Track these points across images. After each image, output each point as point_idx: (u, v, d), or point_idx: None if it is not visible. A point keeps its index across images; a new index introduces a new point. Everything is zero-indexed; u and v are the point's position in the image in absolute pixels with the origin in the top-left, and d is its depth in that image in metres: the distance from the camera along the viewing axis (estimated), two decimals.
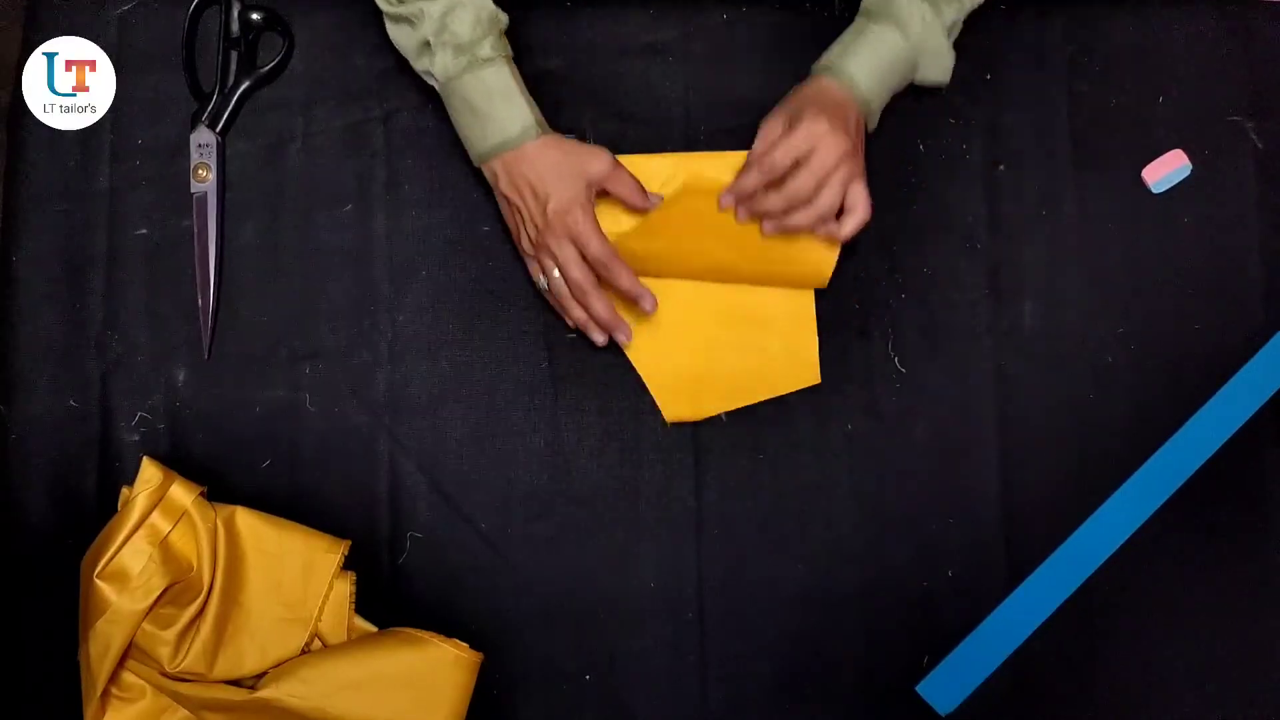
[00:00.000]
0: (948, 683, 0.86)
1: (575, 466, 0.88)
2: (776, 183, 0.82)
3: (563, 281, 0.83)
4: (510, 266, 0.89)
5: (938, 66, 0.84)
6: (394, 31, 0.83)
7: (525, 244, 0.85)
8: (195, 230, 0.87)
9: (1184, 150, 0.91)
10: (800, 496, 0.88)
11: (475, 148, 0.83)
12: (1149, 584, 0.87)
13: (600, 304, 0.83)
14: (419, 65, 0.83)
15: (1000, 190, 0.90)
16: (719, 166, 0.87)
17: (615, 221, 0.86)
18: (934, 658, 0.86)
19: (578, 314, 0.85)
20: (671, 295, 0.87)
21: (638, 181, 0.84)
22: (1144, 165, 0.91)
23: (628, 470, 0.88)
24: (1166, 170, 0.91)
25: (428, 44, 0.81)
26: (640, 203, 0.84)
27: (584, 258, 0.82)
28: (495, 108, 0.81)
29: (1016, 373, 0.89)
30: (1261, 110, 0.91)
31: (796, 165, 0.81)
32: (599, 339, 0.85)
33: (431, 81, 0.83)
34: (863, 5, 0.84)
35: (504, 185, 0.83)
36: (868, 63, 0.82)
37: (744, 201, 0.84)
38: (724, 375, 0.88)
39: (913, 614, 0.87)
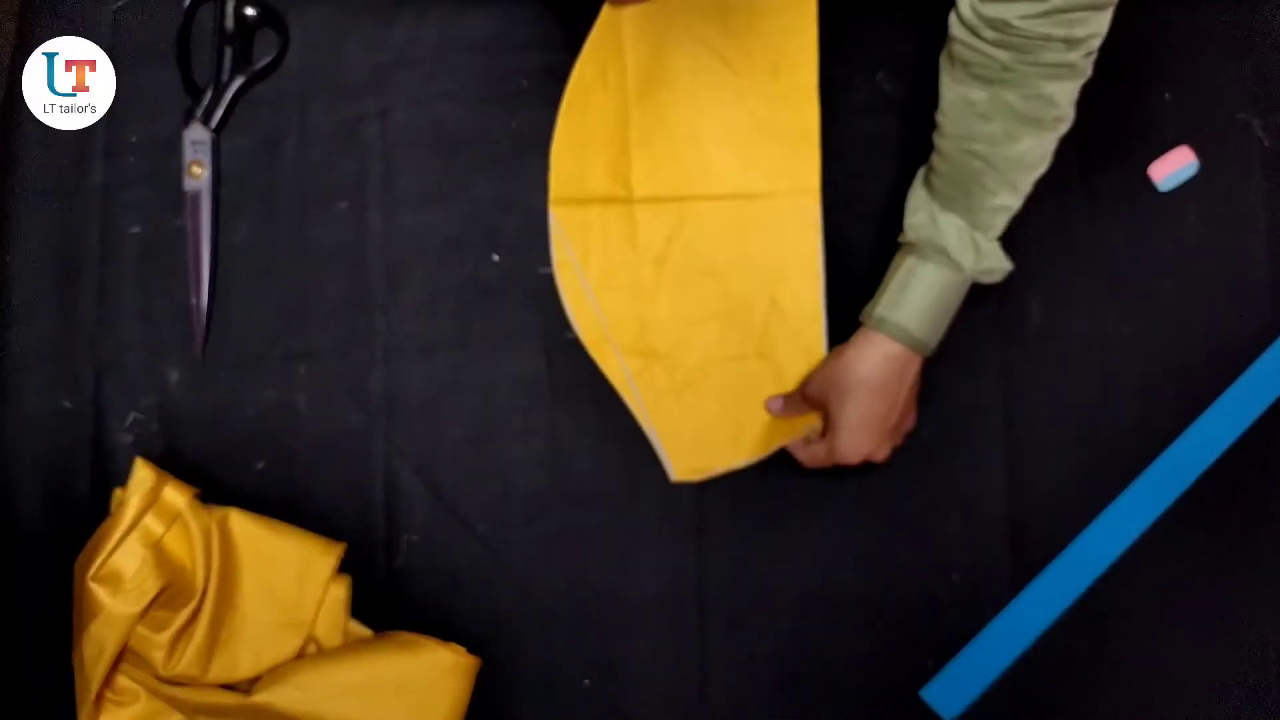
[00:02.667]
0: (952, 688, 0.85)
1: (574, 468, 0.87)
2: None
3: None
4: (509, 266, 0.88)
5: (994, 275, 0.80)
6: None
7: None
8: (189, 228, 0.87)
9: (1191, 147, 0.90)
10: (802, 498, 0.87)
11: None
12: (1157, 587, 0.87)
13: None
14: None
15: None
16: None
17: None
18: (938, 662, 0.86)
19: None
20: (688, 344, 0.87)
21: None
22: (1150, 163, 0.90)
23: (627, 471, 0.87)
24: (1173, 168, 0.90)
25: None
26: None
27: None
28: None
29: (1022, 372, 0.88)
30: (1268, 107, 0.91)
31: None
32: None
33: None
34: (905, 237, 0.80)
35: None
36: (922, 308, 0.79)
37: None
38: (732, 436, 0.87)
39: (917, 618, 0.86)
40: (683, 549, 0.87)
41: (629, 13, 0.88)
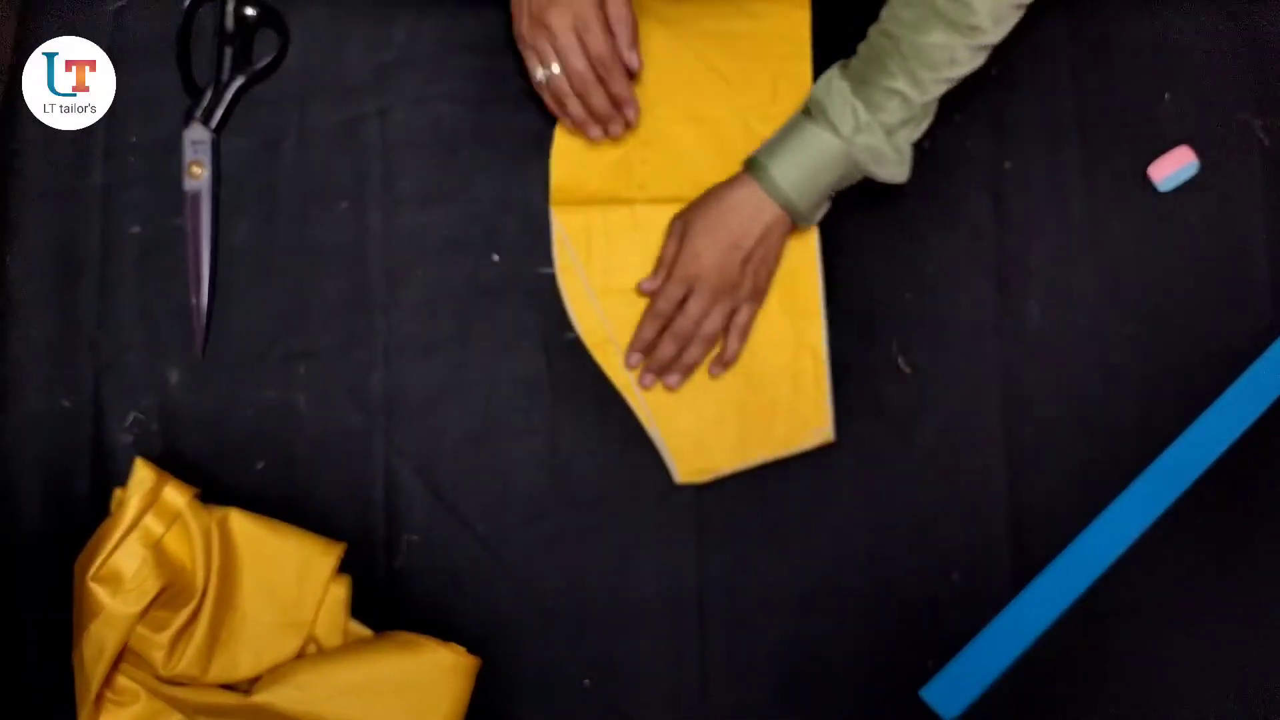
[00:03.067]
0: (952, 688, 0.85)
1: (574, 468, 0.87)
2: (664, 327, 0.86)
3: (562, 77, 0.84)
4: (509, 266, 0.88)
5: (883, 166, 0.82)
6: None
7: (524, 27, 0.83)
8: (189, 228, 0.87)
9: (1191, 147, 0.90)
10: (803, 498, 0.87)
11: None
12: (1157, 587, 0.87)
13: (599, 97, 0.84)
14: None
15: (1006, 188, 0.90)
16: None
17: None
18: (938, 662, 0.86)
19: (575, 109, 0.85)
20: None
21: (633, 16, 0.84)
22: (1151, 162, 0.90)
23: (627, 471, 0.87)
24: (1173, 167, 0.90)
25: None
26: (624, 45, 0.84)
27: (585, 51, 0.83)
28: None
29: (1023, 372, 0.88)
30: (1268, 107, 0.91)
31: (682, 303, 0.85)
32: (595, 134, 0.86)
33: None
34: (806, 100, 0.83)
35: None
36: (793, 163, 0.81)
37: (645, 350, 0.86)
38: (736, 437, 0.88)
39: (917, 617, 0.86)
40: (683, 549, 0.87)
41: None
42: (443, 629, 0.83)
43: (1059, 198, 0.90)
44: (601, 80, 0.84)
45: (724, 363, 0.87)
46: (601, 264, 0.88)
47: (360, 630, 0.83)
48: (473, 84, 0.89)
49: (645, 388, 0.87)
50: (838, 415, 0.87)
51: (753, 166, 0.83)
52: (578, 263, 0.88)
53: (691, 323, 0.85)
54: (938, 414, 0.88)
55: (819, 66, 0.90)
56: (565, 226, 0.89)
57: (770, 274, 0.86)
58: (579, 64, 0.83)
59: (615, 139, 0.87)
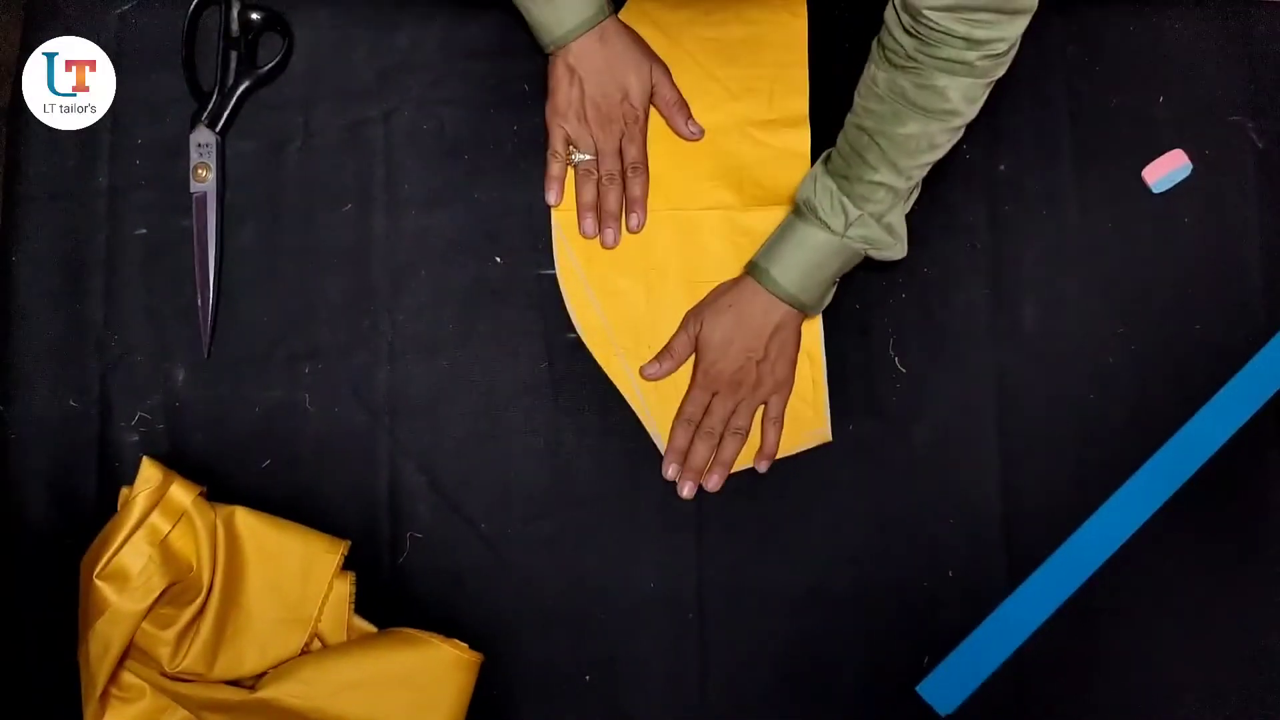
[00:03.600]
0: (948, 683, 0.86)
1: (575, 467, 0.87)
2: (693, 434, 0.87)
3: (591, 163, 0.87)
4: (510, 267, 0.89)
5: (881, 250, 0.83)
6: None
7: (572, 120, 0.86)
8: (195, 230, 0.87)
9: (1184, 150, 0.91)
10: (801, 496, 0.88)
11: (552, 32, 0.84)
12: (1149, 584, 0.87)
13: (616, 196, 0.87)
14: None
15: (1001, 190, 0.90)
16: None
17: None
18: (934, 658, 0.86)
19: (588, 196, 0.87)
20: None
21: (679, 94, 0.88)
22: (1144, 165, 0.91)
23: (628, 470, 0.88)
24: (1167, 170, 0.90)
25: None
26: (681, 123, 0.88)
27: (621, 154, 0.87)
28: None
29: (1017, 373, 0.89)
30: (1261, 110, 0.91)
31: (708, 407, 0.86)
32: (588, 229, 0.88)
33: None
34: (795, 199, 0.84)
35: (572, 59, 0.85)
36: (792, 263, 0.83)
37: (681, 457, 0.87)
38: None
39: (913, 614, 0.87)
40: (682, 547, 0.87)
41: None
42: (445, 626, 0.83)
43: (1053, 200, 0.90)
44: (625, 179, 0.87)
45: (766, 455, 0.87)
46: (602, 266, 0.89)
47: (364, 626, 0.84)
48: (476, 88, 0.90)
49: (686, 497, 0.87)
50: (835, 415, 0.88)
51: (754, 271, 0.84)
52: (578, 265, 0.89)
53: (719, 423, 0.86)
54: (933, 414, 0.88)
55: (815, 72, 0.90)
56: (566, 229, 0.89)
57: (791, 362, 0.86)
58: (612, 166, 0.87)
59: (604, 244, 0.89)
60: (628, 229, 0.88)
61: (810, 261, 0.82)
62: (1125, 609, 0.87)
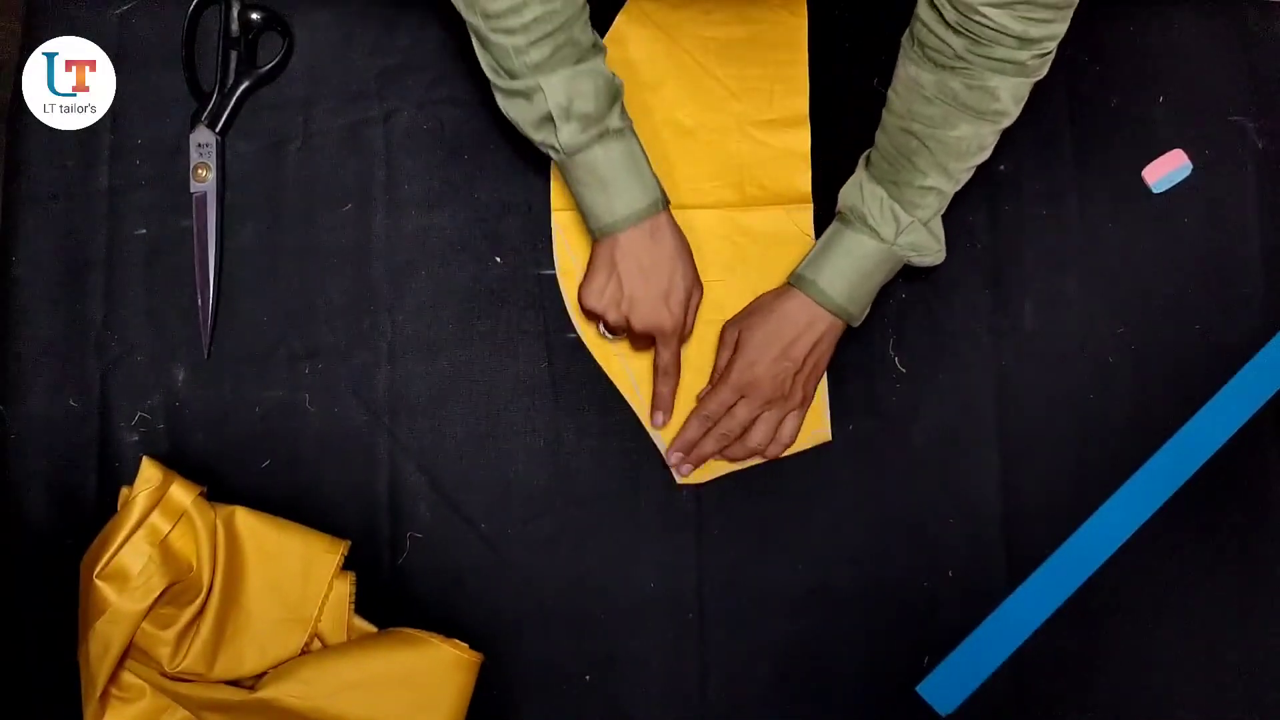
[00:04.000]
0: (948, 683, 0.86)
1: (575, 466, 0.87)
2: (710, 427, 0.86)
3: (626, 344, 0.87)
4: (510, 267, 0.89)
5: (925, 256, 0.83)
6: (507, 105, 0.79)
7: (613, 314, 0.83)
8: (195, 230, 0.87)
9: (1184, 150, 0.91)
10: (800, 496, 0.88)
11: (601, 219, 0.81)
12: (1149, 584, 0.87)
13: (738, 455, 0.86)
14: (538, 137, 0.79)
15: (1001, 190, 0.90)
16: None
17: None
18: (934, 658, 0.86)
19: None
20: (690, 349, 0.88)
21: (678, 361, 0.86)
22: (1144, 165, 0.91)
23: (628, 470, 0.88)
24: (1167, 170, 0.91)
25: (550, 118, 0.77)
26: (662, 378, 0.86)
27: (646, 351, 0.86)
28: (624, 179, 0.79)
29: (1017, 373, 0.89)
30: (1262, 110, 0.92)
31: (730, 408, 0.85)
32: (675, 459, 0.87)
33: (551, 153, 0.80)
34: (839, 206, 0.83)
35: (620, 255, 0.81)
36: (840, 272, 0.82)
37: (688, 449, 0.86)
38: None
39: (913, 614, 0.87)
40: (682, 547, 0.87)
41: (636, 37, 0.90)
42: (446, 625, 0.83)
43: (1053, 200, 0.90)
44: (656, 379, 0.86)
45: (762, 457, 0.87)
46: None
47: (364, 626, 0.84)
48: (476, 88, 0.89)
49: (682, 476, 0.87)
50: (834, 415, 0.88)
51: (800, 283, 0.83)
52: (578, 265, 0.89)
53: (738, 426, 0.85)
54: (933, 413, 0.88)
55: (815, 72, 0.90)
56: (566, 230, 0.89)
57: (819, 381, 0.86)
58: (639, 358, 0.86)
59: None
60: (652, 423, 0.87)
61: (859, 271, 0.81)
62: (1125, 609, 0.87)
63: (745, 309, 0.87)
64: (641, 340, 0.86)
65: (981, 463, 0.88)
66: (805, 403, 0.86)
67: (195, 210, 0.88)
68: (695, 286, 0.84)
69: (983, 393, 0.89)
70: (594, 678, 0.86)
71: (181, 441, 0.87)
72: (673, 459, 0.87)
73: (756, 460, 0.88)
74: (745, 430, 0.85)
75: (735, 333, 0.85)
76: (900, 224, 0.80)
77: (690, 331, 0.86)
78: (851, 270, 0.81)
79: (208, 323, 0.87)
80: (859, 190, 0.81)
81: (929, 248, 0.81)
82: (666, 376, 0.85)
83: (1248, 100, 0.92)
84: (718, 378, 0.86)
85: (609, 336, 0.87)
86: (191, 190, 0.88)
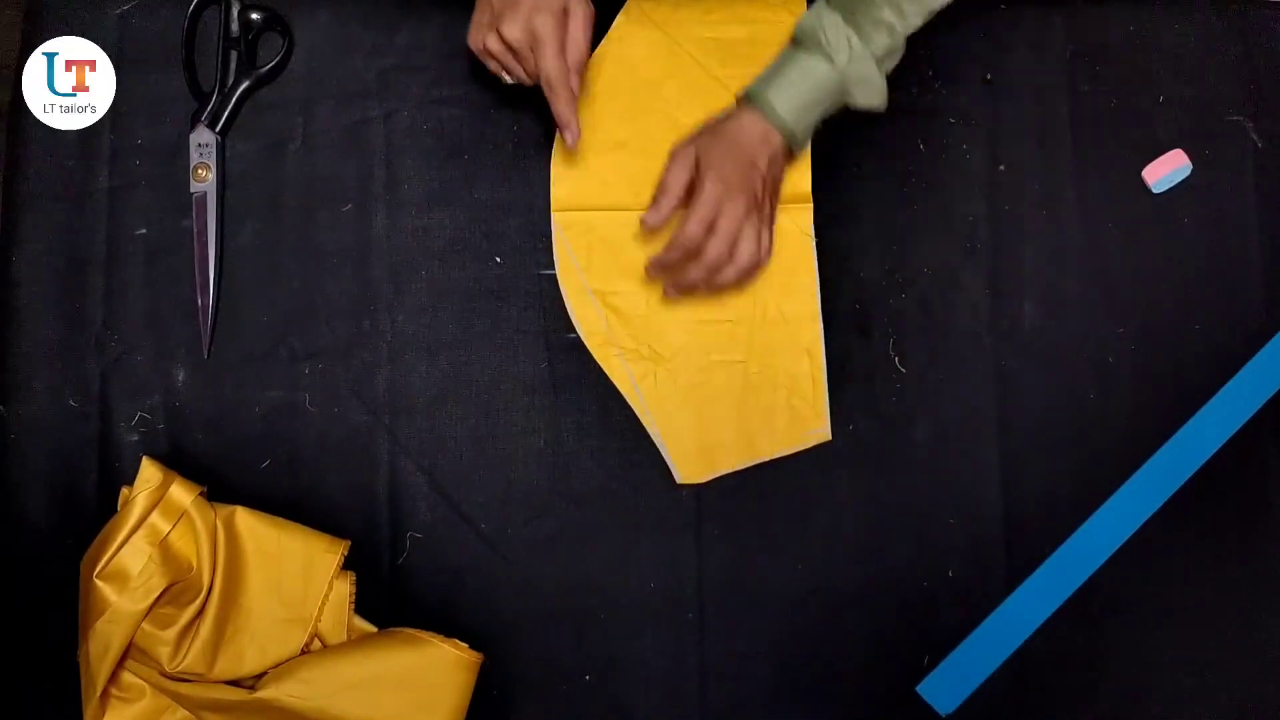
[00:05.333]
0: (948, 683, 0.86)
1: (575, 466, 0.87)
2: (694, 251, 0.83)
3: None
4: (510, 267, 0.89)
5: (869, 94, 0.83)
6: None
7: (479, 33, 0.82)
8: (195, 230, 0.87)
9: (1184, 150, 0.91)
10: (800, 496, 0.88)
11: None
12: (1149, 584, 0.87)
13: (730, 279, 0.84)
14: None
15: (1001, 190, 0.90)
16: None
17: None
18: (934, 658, 0.86)
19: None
20: (690, 349, 0.88)
21: (588, 41, 0.82)
22: (1144, 165, 0.91)
23: (628, 470, 0.88)
24: (1167, 170, 0.91)
25: None
26: (572, 63, 0.82)
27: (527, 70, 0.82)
28: None
29: (1017, 373, 0.89)
30: (1261, 110, 0.92)
31: (709, 230, 0.82)
32: (670, 292, 0.87)
33: None
34: (793, 33, 0.84)
35: None
36: (792, 92, 0.82)
37: (666, 272, 0.85)
38: (736, 438, 0.88)
39: (913, 614, 0.87)
40: (682, 546, 0.87)
41: (636, 37, 0.90)
42: (446, 625, 0.83)
43: (1053, 200, 0.90)
44: (548, 97, 0.82)
45: (745, 282, 0.86)
46: (601, 267, 0.89)
47: (364, 626, 0.84)
48: (475, 88, 0.90)
49: (669, 298, 0.87)
50: (835, 415, 0.88)
51: (753, 98, 0.83)
52: (578, 265, 0.89)
53: (726, 245, 0.82)
54: (933, 413, 0.88)
55: None
56: (566, 230, 0.89)
57: (778, 198, 0.86)
58: (524, 80, 0.83)
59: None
60: (565, 144, 0.84)
61: (808, 93, 0.82)
62: (1125, 609, 0.87)
63: (696, 131, 0.85)
64: (518, 71, 0.83)
65: (981, 462, 0.88)
66: (772, 218, 0.86)
67: (195, 210, 0.88)
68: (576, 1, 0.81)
69: (983, 393, 0.89)
70: (594, 678, 0.86)
71: (181, 441, 0.86)
72: (653, 272, 0.86)
73: (757, 459, 0.88)
74: (733, 248, 0.82)
75: (690, 151, 0.84)
76: (853, 50, 0.81)
77: (582, 55, 0.82)
78: (802, 92, 0.82)
79: (208, 323, 0.87)
80: (817, 17, 0.82)
81: (874, 84, 0.82)
82: (552, 91, 0.81)
83: (1247, 100, 0.92)
84: (693, 199, 0.82)
85: (507, 79, 0.84)
86: (191, 190, 0.88)
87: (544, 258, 0.89)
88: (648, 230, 0.85)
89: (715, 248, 0.82)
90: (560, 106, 0.82)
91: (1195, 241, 0.91)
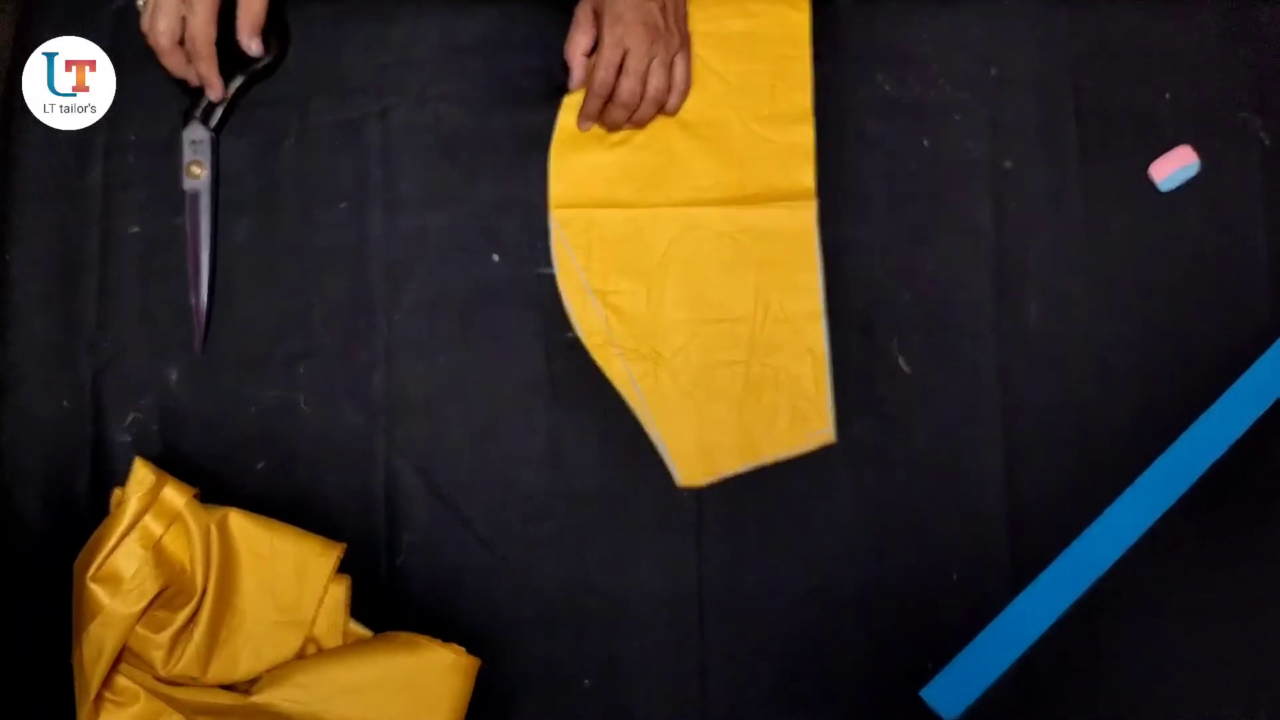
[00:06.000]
0: (952, 688, 0.85)
1: (574, 467, 0.87)
2: (608, 95, 0.86)
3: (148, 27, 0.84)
4: (509, 266, 0.88)
5: None
6: None
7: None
8: (188, 228, 0.87)
9: (1192, 147, 0.90)
10: (802, 497, 0.87)
11: None
12: (1156, 588, 0.87)
13: (649, 114, 0.87)
14: None
15: (1005, 188, 0.90)
16: None
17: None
18: (938, 662, 0.86)
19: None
20: (691, 348, 0.88)
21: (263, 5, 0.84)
22: (1151, 162, 0.90)
23: (627, 471, 0.87)
24: (1174, 167, 0.90)
25: None
26: (245, 26, 0.84)
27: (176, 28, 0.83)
28: None
29: (1021, 373, 0.89)
30: (1269, 106, 0.91)
31: (620, 71, 0.84)
32: (585, 126, 0.89)
33: None
34: None
35: None
36: None
37: (593, 121, 0.88)
38: (738, 439, 0.88)
39: (916, 617, 0.87)
40: (682, 548, 0.87)
41: None
42: (443, 628, 0.83)
43: (1058, 198, 0.90)
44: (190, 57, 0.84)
45: (668, 112, 0.88)
46: (601, 265, 0.88)
47: (360, 630, 0.83)
48: (473, 85, 0.89)
49: (582, 130, 0.89)
50: (837, 415, 0.88)
51: None
52: (577, 264, 0.88)
53: (636, 81, 0.84)
54: (937, 414, 0.88)
55: (818, 67, 0.90)
56: (565, 228, 0.89)
57: (685, 18, 0.87)
58: (162, 40, 0.83)
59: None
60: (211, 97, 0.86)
61: None
62: (1133, 613, 0.87)
63: None
64: (162, 18, 0.83)
65: (985, 463, 0.88)
66: (685, 42, 0.87)
67: (188, 208, 0.87)
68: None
69: (986, 393, 0.88)
70: (594, 679, 0.86)
71: (175, 442, 0.86)
72: (583, 126, 0.88)
73: (759, 461, 0.87)
74: (644, 85, 0.85)
75: (588, 6, 0.85)
76: None
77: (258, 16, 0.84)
78: None
79: (201, 321, 0.87)
80: None
81: None
82: (199, 58, 0.84)
83: (1255, 96, 0.91)
84: (598, 46, 0.85)
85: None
86: (185, 187, 0.87)
87: (542, 256, 0.89)
88: (587, 113, 0.87)
89: (627, 86, 0.84)
90: (201, 68, 0.84)
91: (1202, 239, 0.90)
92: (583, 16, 0.85)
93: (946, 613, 0.86)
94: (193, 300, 0.87)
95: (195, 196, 0.87)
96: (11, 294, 0.87)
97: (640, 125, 0.88)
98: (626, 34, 0.84)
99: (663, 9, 0.84)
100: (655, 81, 0.85)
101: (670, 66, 0.86)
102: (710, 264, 0.88)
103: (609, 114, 0.87)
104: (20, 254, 0.87)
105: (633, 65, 0.84)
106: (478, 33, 0.90)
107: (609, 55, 0.84)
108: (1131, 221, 0.90)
